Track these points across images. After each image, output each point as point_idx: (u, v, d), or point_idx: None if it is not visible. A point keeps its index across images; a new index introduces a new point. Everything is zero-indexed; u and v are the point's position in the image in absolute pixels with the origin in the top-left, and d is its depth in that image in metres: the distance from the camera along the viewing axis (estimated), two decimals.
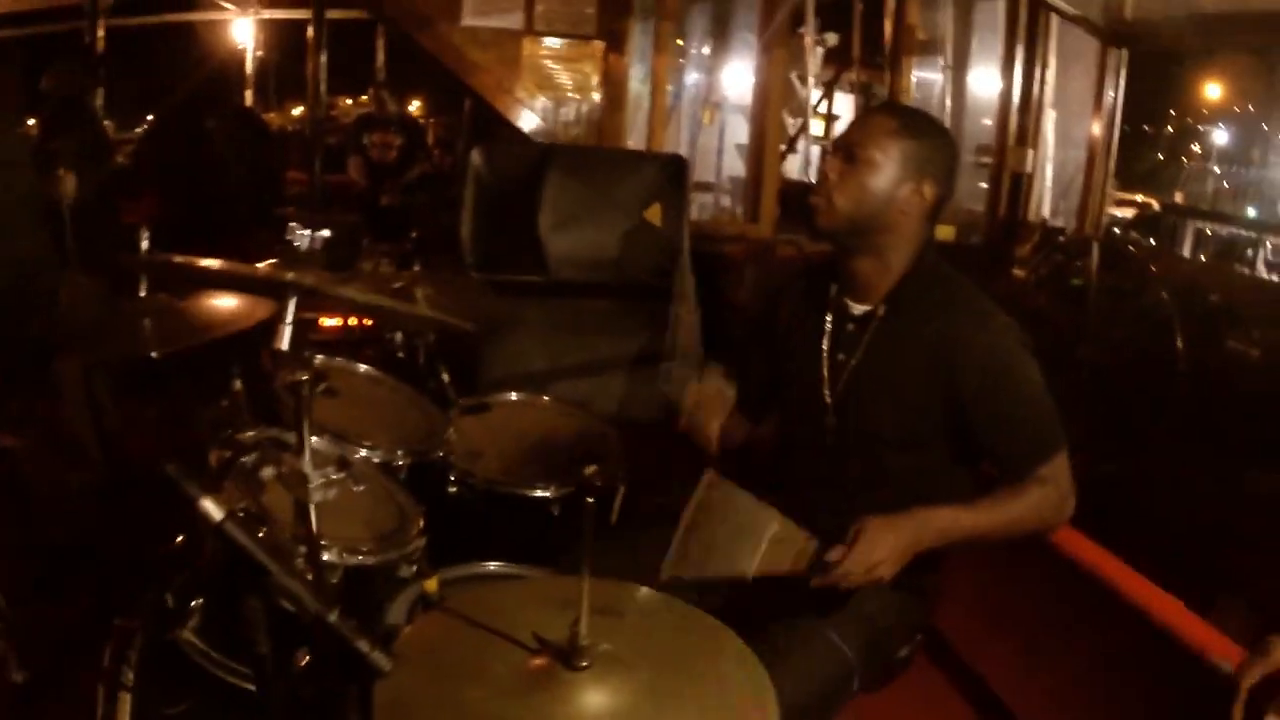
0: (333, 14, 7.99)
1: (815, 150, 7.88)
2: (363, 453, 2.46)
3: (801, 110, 8.38)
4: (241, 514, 1.33)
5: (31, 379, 3.55)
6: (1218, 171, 17.92)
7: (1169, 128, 19.51)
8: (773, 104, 5.88)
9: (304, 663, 1.88)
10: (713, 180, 8.26)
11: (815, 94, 8.16)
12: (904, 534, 2.08)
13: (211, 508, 1.27)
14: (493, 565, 2.39)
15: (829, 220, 2.27)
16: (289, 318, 2.07)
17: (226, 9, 10.44)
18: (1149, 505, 2.43)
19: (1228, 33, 5.50)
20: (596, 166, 4.66)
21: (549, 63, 5.52)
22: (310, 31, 6.84)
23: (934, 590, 2.33)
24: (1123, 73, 5.70)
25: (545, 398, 3.41)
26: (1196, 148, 19.29)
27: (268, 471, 1.77)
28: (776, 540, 2.04)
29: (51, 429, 3.59)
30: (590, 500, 1.53)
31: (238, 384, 2.21)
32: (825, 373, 2.37)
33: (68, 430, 3.52)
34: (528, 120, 5.50)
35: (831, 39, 8.56)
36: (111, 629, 2.15)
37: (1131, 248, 5.56)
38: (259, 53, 11.65)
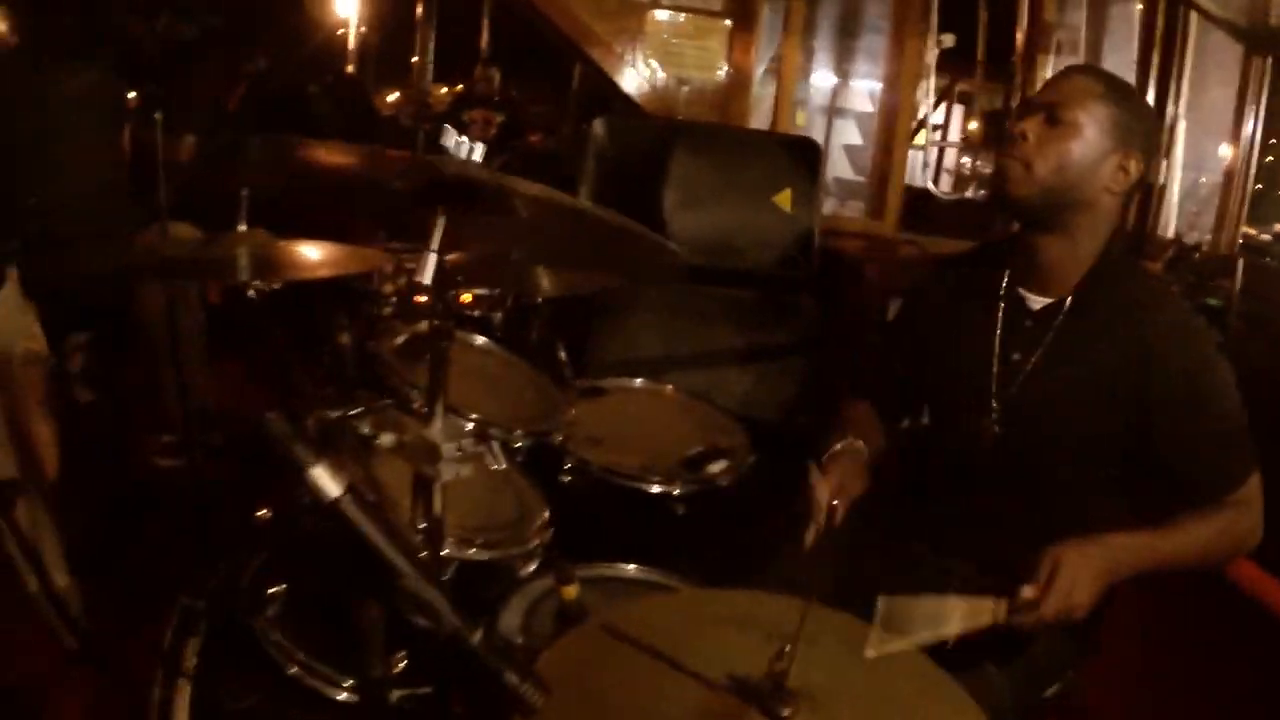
0: None
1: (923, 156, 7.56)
2: (491, 430, 2.16)
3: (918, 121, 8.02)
4: (361, 493, 1.00)
5: (112, 329, 3.31)
6: None
7: None
8: (904, 95, 5.54)
9: (400, 667, 1.61)
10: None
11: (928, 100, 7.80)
12: (1100, 565, 1.81)
13: (326, 479, 0.96)
14: (631, 568, 2.08)
15: (1024, 188, 1.96)
16: (436, 241, 1.54)
17: None
18: None
19: None
20: (725, 146, 4.32)
21: (672, 38, 5.18)
22: (418, 9, 6.67)
23: (1091, 625, 2.01)
24: (1266, 83, 5.27)
25: (669, 386, 3.10)
26: None
27: (386, 439, 1.44)
28: (970, 609, 1.75)
29: (132, 382, 3.35)
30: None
31: (344, 337, 1.91)
32: (995, 373, 2.07)
33: (149, 382, 3.27)
34: (647, 97, 5.18)
35: (948, 40, 8.16)
36: (176, 606, 1.91)
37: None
38: (362, 28, 11.51)
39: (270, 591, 1.82)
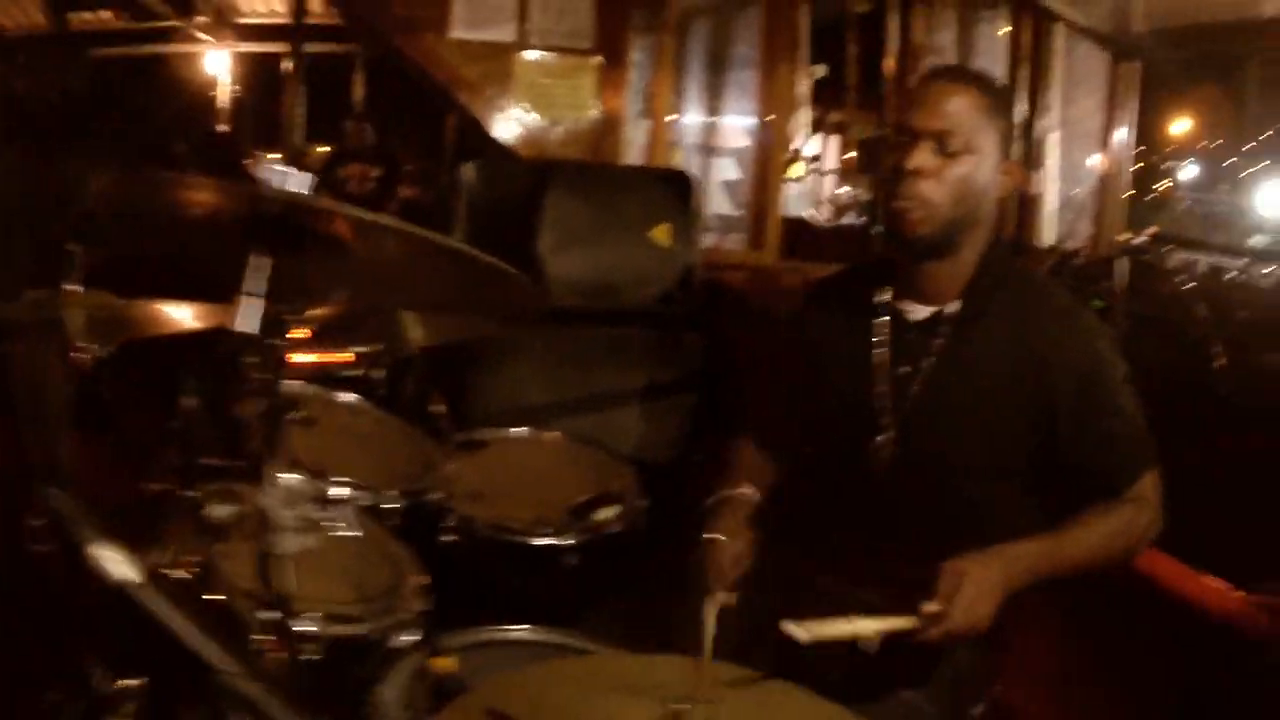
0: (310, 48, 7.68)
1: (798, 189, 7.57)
2: (345, 492, 2.02)
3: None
4: (182, 571, 0.86)
5: None
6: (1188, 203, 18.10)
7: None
8: (778, 127, 5.53)
9: None
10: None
11: (804, 132, 7.84)
12: (999, 576, 1.75)
13: (114, 560, 0.82)
14: (522, 630, 1.96)
15: (927, 227, 1.90)
16: (260, 288, 1.39)
17: (202, 40, 10.07)
18: (1196, 531, 2.15)
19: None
20: (598, 184, 4.24)
21: (542, 79, 5.09)
22: (288, 65, 6.54)
23: (1004, 640, 1.95)
24: (1134, 89, 5.48)
25: (553, 434, 2.99)
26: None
27: (222, 512, 1.30)
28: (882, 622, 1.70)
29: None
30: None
31: (191, 401, 1.76)
32: (884, 390, 1.98)
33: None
34: (520, 139, 5.08)
35: (820, 71, 8.21)
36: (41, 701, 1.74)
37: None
38: (235, 87, 11.26)
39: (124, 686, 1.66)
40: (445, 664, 1.47)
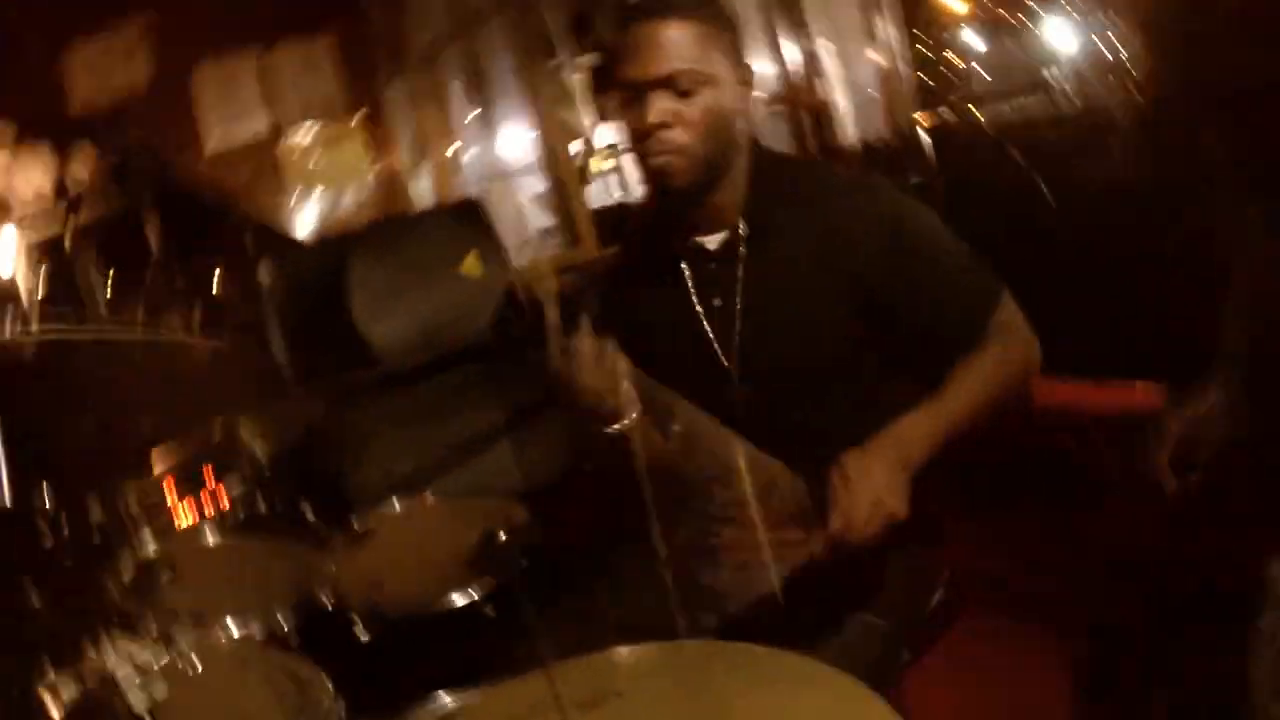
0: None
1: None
2: (233, 632, 1.96)
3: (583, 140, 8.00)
4: None
5: None
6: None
7: None
8: (551, 128, 5.51)
9: None
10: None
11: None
12: (892, 457, 1.71)
13: None
14: (449, 699, 1.92)
15: (689, 175, 1.88)
16: None
17: None
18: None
19: None
20: (392, 238, 4.18)
21: (310, 157, 5.01)
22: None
23: (937, 529, 1.94)
24: None
25: (428, 497, 2.93)
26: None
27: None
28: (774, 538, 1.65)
29: None
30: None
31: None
32: (709, 331, 1.96)
33: None
34: (311, 226, 4.99)
35: (588, 60, 8.16)
36: None
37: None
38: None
39: None
40: None
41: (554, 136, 5.52)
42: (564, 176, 5.47)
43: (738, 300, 1.94)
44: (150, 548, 2.23)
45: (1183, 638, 1.87)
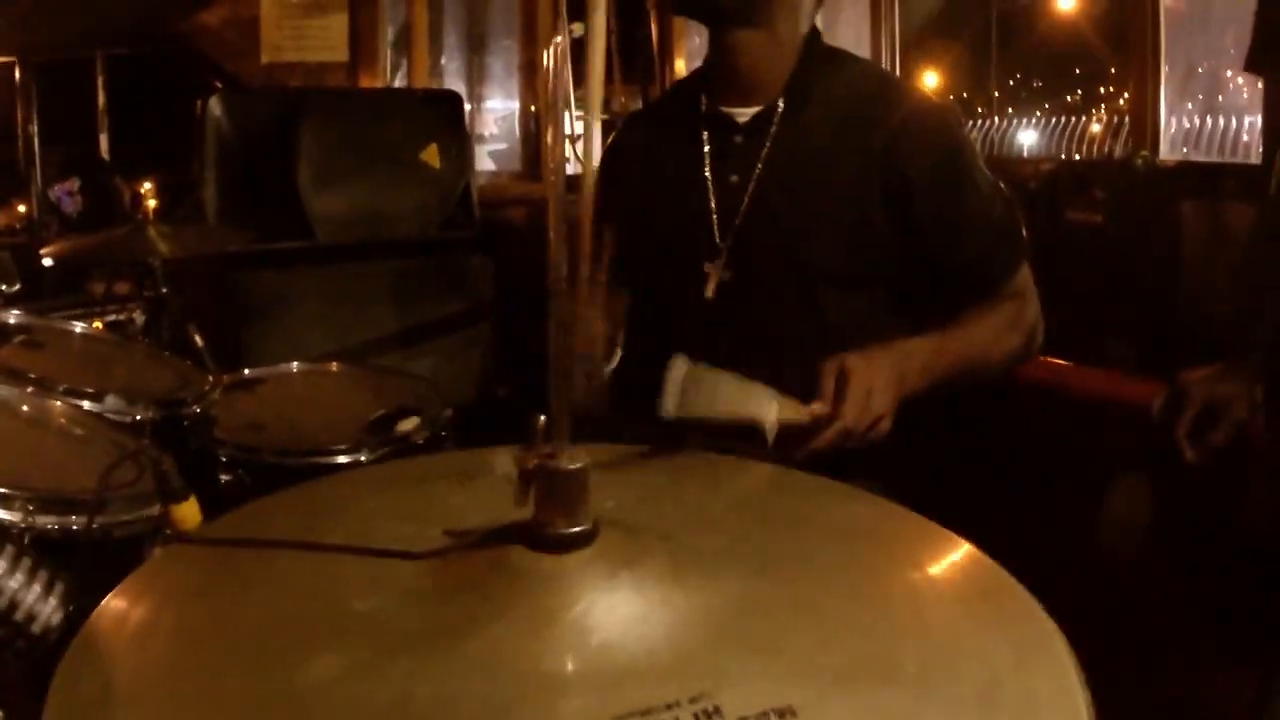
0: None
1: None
2: (81, 404, 1.70)
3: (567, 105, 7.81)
4: None
5: None
6: None
7: None
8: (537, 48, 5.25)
9: None
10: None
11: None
12: (889, 368, 1.51)
13: None
14: None
15: None
16: None
17: None
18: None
19: None
20: (358, 109, 3.95)
21: (291, 18, 4.69)
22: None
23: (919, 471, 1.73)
24: None
25: (334, 364, 2.70)
26: None
27: None
28: (783, 401, 1.43)
29: None
30: None
31: None
32: (712, 205, 1.75)
33: None
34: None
35: (579, 29, 7.98)
36: None
37: None
38: None
39: None
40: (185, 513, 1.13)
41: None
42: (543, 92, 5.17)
43: (753, 180, 1.75)
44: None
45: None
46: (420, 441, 2.24)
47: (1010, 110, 6.80)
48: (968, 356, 1.65)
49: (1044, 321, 1.76)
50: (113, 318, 3.38)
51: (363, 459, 2.11)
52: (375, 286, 3.65)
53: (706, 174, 1.77)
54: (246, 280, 3.47)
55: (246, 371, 2.56)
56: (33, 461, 1.34)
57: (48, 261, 2.83)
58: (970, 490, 1.78)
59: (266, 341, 3.36)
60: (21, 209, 5.99)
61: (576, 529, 0.83)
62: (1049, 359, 2.21)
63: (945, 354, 1.61)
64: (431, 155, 3.78)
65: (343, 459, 2.10)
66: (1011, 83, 6.94)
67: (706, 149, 1.78)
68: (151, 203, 3.11)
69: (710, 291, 1.74)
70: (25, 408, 1.65)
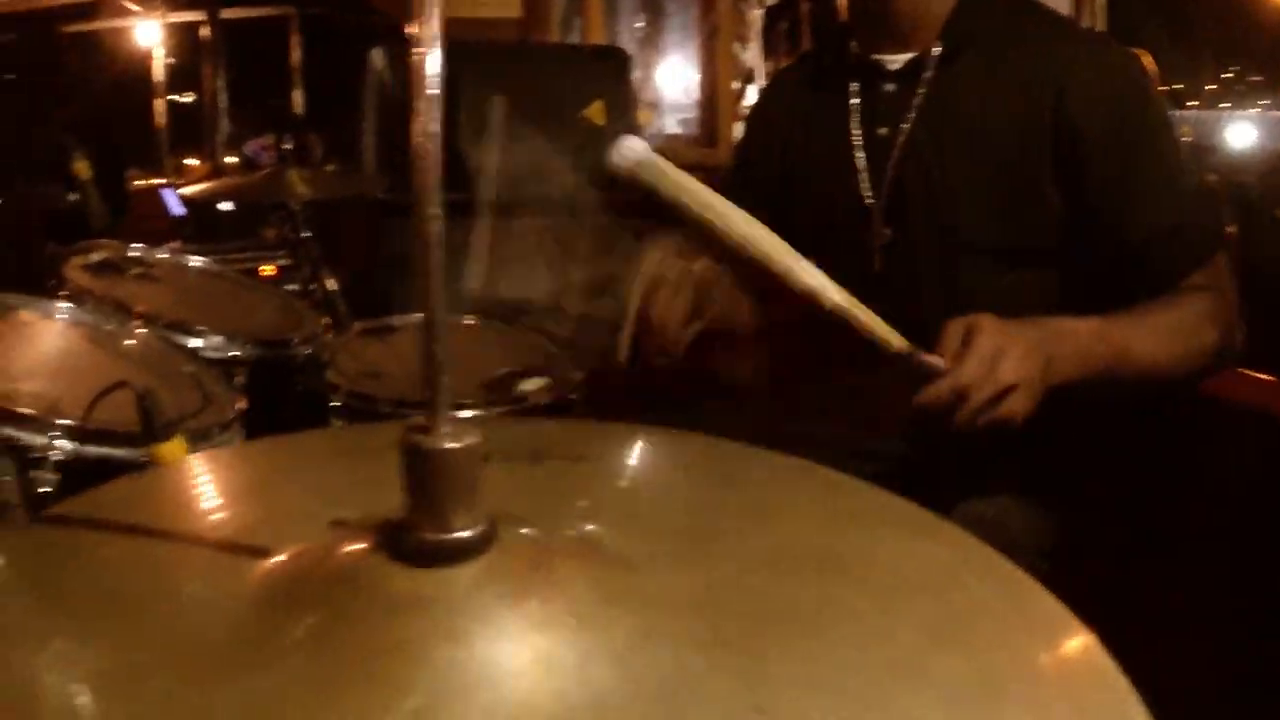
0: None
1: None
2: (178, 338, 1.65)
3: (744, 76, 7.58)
4: None
5: None
6: None
7: None
8: (720, 13, 5.08)
9: None
10: None
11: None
12: (1032, 340, 1.27)
13: None
14: None
15: None
16: None
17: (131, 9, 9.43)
18: None
19: None
20: (522, 63, 3.84)
21: None
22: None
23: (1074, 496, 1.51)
24: None
25: (470, 318, 2.62)
26: None
27: None
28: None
29: None
30: None
31: None
32: (861, 161, 1.58)
33: None
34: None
35: None
36: None
37: None
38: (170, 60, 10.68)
39: None
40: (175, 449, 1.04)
41: (720, 10, 5.05)
42: (720, 57, 5.02)
43: (906, 130, 1.56)
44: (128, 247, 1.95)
45: None
46: (543, 403, 2.15)
47: (1224, 104, 6.39)
48: (1139, 352, 1.39)
49: (1246, 328, 1.49)
50: (283, 263, 3.42)
51: (476, 416, 2.02)
52: (528, 243, 3.56)
53: (854, 129, 1.59)
54: (397, 230, 3.43)
55: (382, 321, 2.51)
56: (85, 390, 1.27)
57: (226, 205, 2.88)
58: (1135, 524, 1.54)
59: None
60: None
61: (456, 535, 0.57)
62: (1251, 373, 1.93)
63: (1108, 342, 1.37)
64: (595, 112, 3.67)
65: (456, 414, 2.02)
66: (1227, 76, 6.53)
67: (854, 101, 1.60)
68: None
69: (869, 258, 1.57)
70: (123, 340, 1.61)
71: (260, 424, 1.75)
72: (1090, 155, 1.45)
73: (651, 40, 5.47)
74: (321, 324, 2.01)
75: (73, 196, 4.28)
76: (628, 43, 5.19)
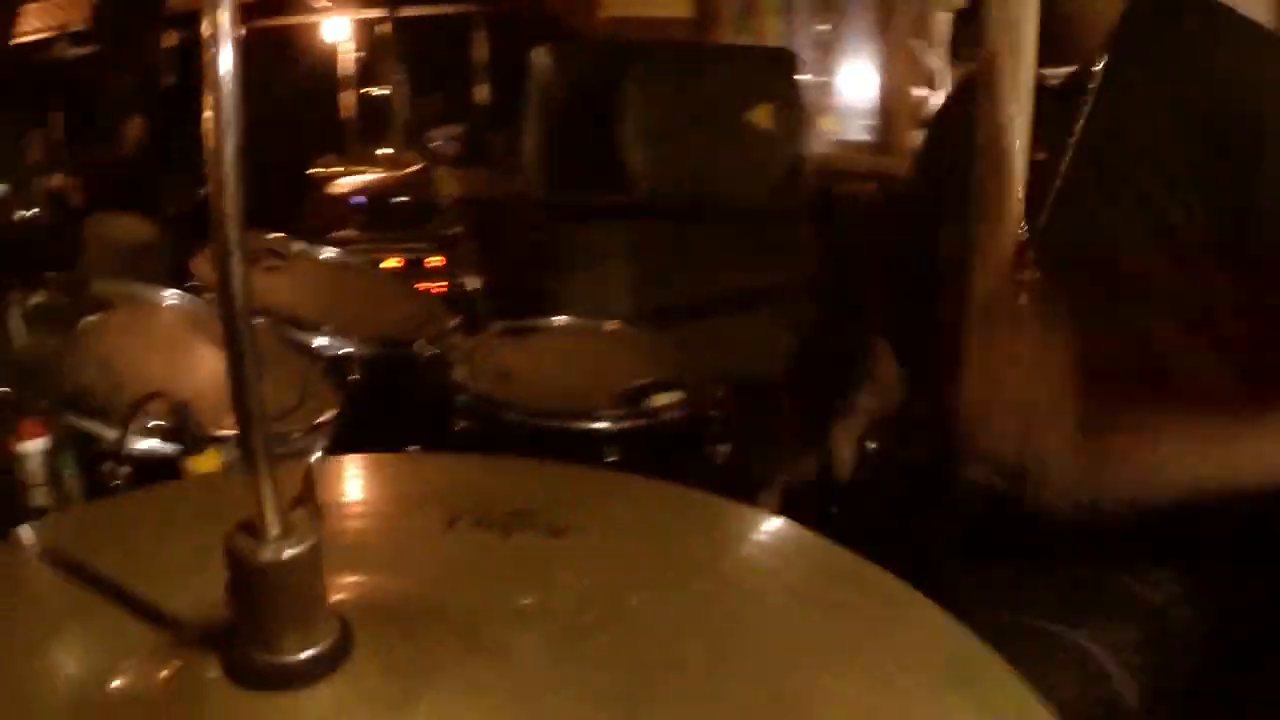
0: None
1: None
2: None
3: (927, 82, 7.32)
4: None
5: None
6: None
7: None
8: (897, 17, 4.89)
9: None
10: None
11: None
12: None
13: None
14: None
15: None
16: None
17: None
18: None
19: None
20: (686, 64, 3.76)
21: None
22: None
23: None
24: None
25: (613, 323, 2.53)
26: None
27: None
28: None
29: None
30: None
31: None
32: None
33: None
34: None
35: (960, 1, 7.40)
36: None
37: None
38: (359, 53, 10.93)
39: None
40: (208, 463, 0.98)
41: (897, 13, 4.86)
42: (898, 60, 4.82)
43: (1068, 156, 1.40)
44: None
45: None
46: (676, 416, 2.05)
47: None
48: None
49: None
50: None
51: (601, 430, 1.94)
52: (691, 250, 3.48)
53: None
54: (555, 230, 3.40)
55: (524, 322, 2.46)
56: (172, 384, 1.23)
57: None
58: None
59: (568, 294, 3.26)
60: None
61: (289, 658, 0.47)
62: None
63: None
64: (761, 116, 3.56)
65: (581, 426, 1.94)
66: None
67: None
68: None
69: (1024, 290, 1.40)
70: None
71: (377, 423, 1.71)
72: (1259, 179, 1.24)
73: (833, 44, 5.31)
74: (452, 323, 1.95)
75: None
76: (806, 46, 5.06)
